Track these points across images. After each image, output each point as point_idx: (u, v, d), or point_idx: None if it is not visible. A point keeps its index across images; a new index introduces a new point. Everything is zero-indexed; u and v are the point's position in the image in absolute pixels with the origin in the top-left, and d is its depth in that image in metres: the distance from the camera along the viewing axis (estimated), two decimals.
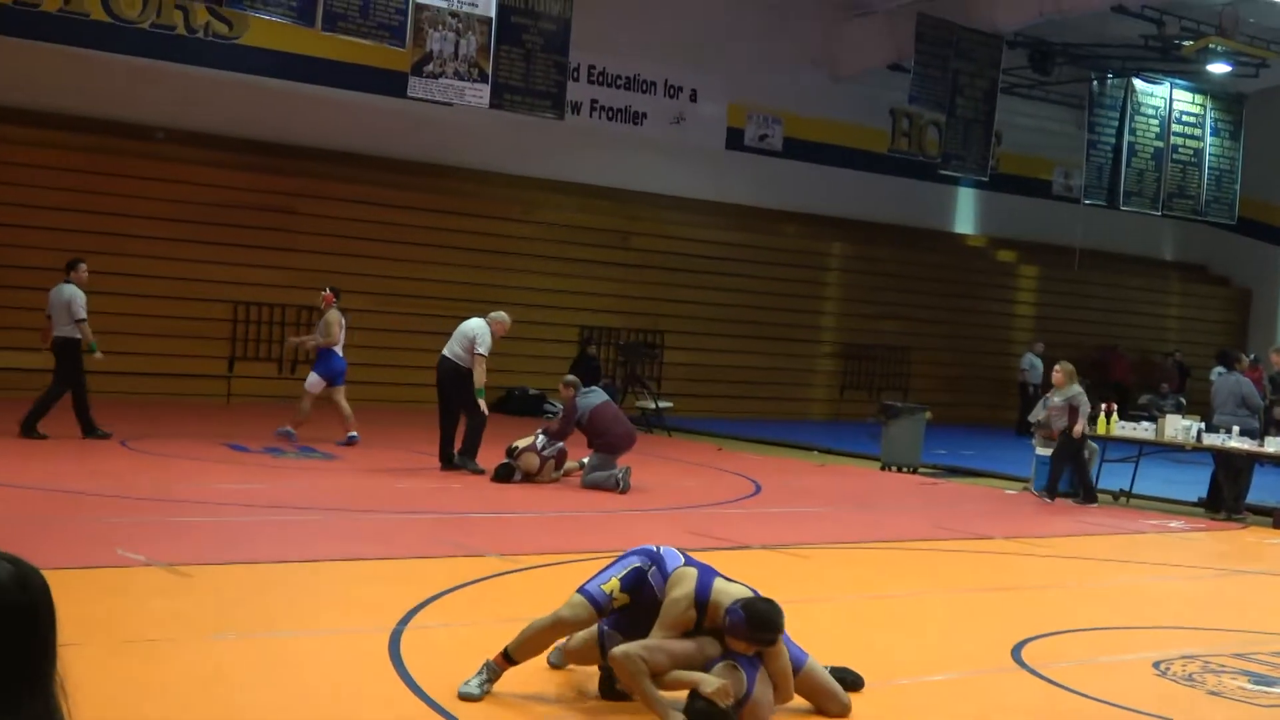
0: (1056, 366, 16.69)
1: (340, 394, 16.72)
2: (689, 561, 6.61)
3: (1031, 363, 27.74)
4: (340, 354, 16.77)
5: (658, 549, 6.68)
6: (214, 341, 21.18)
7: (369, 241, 22.41)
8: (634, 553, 6.67)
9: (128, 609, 7.70)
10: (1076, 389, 16.27)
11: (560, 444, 14.84)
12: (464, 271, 23.10)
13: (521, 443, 14.81)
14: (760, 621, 6.17)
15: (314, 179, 22.26)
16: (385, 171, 23.21)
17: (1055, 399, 16.40)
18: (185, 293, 20.88)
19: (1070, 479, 16.55)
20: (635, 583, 6.49)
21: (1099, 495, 16.66)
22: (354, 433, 16.55)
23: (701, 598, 6.36)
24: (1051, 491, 16.21)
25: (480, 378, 14.91)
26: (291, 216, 21.91)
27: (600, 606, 6.45)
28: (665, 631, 6.32)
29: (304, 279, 21.91)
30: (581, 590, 6.52)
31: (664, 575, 6.51)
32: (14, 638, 2.05)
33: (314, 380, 16.66)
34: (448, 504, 13.07)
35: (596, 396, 14.94)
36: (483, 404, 14.96)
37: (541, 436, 14.76)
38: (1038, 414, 17.63)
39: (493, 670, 6.40)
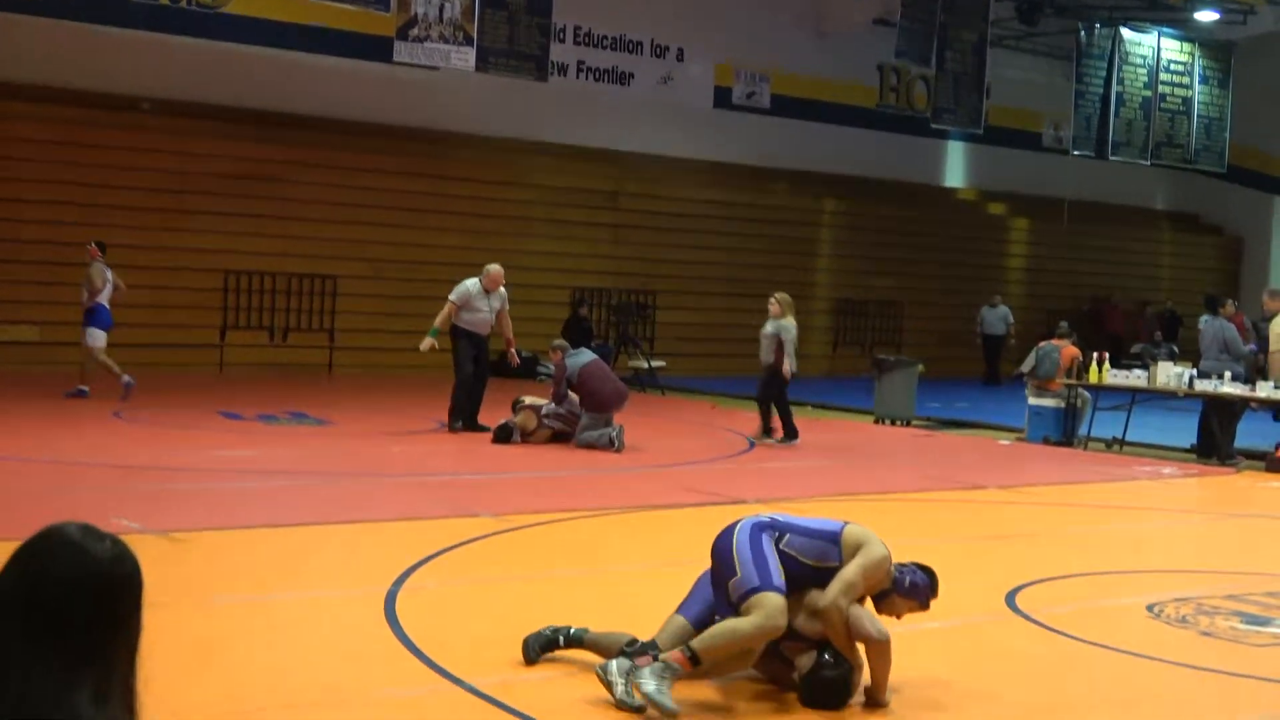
0: (773, 297, 15.94)
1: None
2: (849, 524, 6.21)
3: (983, 316, 27.45)
4: (106, 306, 16.54)
5: (766, 517, 6.18)
6: (206, 311, 21.17)
7: (359, 208, 22.37)
8: (750, 532, 6.03)
9: None
10: (786, 323, 15.72)
11: (563, 410, 14.86)
12: (454, 236, 23.05)
13: (528, 399, 14.92)
14: (937, 585, 6.27)
15: (302, 147, 22.19)
16: (373, 138, 23.14)
17: (767, 328, 15.87)
18: (176, 263, 20.85)
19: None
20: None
21: (1089, 442, 16.74)
22: (128, 378, 16.14)
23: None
24: (765, 429, 15.97)
25: (438, 320, 15.23)
26: (280, 184, 21.85)
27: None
28: (863, 583, 6.02)
29: (295, 246, 21.90)
30: (771, 588, 5.81)
31: (803, 533, 6.08)
32: (116, 611, 2.09)
33: (94, 334, 16.43)
34: (441, 466, 13.10)
35: (585, 356, 15.02)
36: (426, 342, 15.16)
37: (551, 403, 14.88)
38: (1028, 364, 17.69)
39: (674, 671, 5.70)
